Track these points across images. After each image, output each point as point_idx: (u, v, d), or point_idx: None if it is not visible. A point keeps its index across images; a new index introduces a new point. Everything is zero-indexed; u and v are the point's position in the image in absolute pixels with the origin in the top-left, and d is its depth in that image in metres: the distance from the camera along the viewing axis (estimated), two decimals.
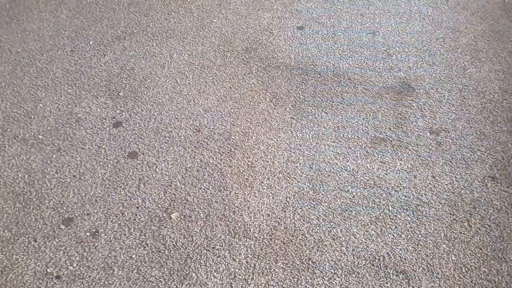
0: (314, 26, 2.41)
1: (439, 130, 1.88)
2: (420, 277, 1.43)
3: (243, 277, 1.43)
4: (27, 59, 2.20)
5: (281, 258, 1.48)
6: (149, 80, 2.11)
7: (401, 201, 1.63)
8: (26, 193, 1.65)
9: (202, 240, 1.52)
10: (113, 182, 1.69)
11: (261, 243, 1.52)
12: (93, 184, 1.68)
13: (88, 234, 1.54)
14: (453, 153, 1.79)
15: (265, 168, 1.74)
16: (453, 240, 1.52)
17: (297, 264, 1.46)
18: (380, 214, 1.59)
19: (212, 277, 1.43)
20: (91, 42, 2.31)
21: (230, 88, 2.07)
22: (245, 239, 1.53)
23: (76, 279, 1.42)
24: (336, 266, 1.46)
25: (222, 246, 1.51)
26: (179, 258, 1.48)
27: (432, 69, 2.15)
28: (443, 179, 1.70)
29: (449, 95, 2.02)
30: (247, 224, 1.57)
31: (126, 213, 1.60)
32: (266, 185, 1.68)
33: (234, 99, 2.02)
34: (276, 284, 1.42)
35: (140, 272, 1.44)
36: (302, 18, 2.46)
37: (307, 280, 1.43)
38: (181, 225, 1.56)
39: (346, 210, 1.61)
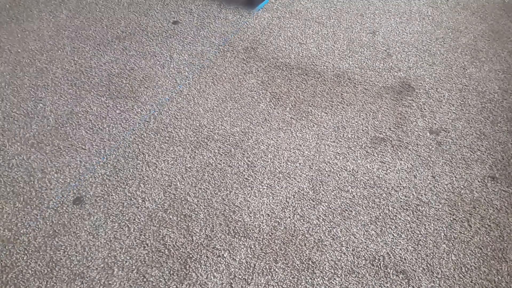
0: (314, 26, 2.41)
1: (439, 130, 1.88)
2: (420, 277, 1.43)
3: (243, 277, 1.43)
4: (27, 59, 2.20)
5: (281, 258, 1.48)
6: (149, 80, 2.10)
7: (401, 201, 1.63)
8: (26, 193, 1.65)
9: (202, 240, 1.52)
10: (113, 182, 1.69)
11: (261, 243, 1.52)
12: (93, 184, 1.68)
13: (88, 233, 1.54)
14: (453, 153, 1.79)
15: (265, 168, 1.74)
16: (453, 240, 1.52)
17: (297, 264, 1.46)
18: (380, 214, 1.59)
19: (212, 277, 1.43)
20: (91, 42, 2.31)
21: (230, 88, 2.07)
22: (245, 239, 1.53)
23: (76, 279, 1.42)
24: (336, 266, 1.46)
25: (222, 246, 1.51)
26: (179, 258, 1.48)
27: (432, 69, 2.15)
28: (443, 179, 1.70)
29: (449, 95, 2.02)
30: (247, 224, 1.57)
31: (126, 213, 1.60)
32: (266, 185, 1.68)
33: (234, 99, 2.02)
34: (276, 284, 1.42)
35: (140, 272, 1.44)
36: (302, 18, 2.46)
37: (307, 280, 1.43)
38: (181, 225, 1.56)
39: (346, 210, 1.61)
